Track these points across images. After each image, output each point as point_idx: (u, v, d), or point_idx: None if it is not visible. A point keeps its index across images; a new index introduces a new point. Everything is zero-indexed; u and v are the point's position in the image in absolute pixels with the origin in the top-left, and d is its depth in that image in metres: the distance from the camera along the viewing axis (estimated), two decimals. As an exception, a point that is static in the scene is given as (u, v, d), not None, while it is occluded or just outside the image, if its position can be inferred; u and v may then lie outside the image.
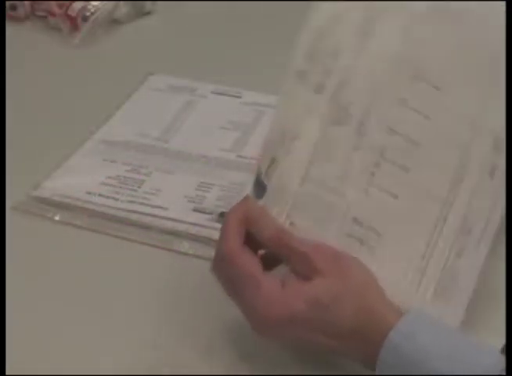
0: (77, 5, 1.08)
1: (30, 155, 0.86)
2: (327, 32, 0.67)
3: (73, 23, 1.07)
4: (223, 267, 0.60)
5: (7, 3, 1.09)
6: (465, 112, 0.65)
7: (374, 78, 0.65)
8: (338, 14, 0.68)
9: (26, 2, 1.10)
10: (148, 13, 1.14)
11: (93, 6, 1.08)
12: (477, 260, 0.63)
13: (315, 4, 0.70)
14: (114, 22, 1.11)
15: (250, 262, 0.59)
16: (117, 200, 0.78)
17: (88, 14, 1.07)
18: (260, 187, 0.64)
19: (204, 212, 0.76)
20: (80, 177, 0.81)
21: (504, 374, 0.53)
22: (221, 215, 0.73)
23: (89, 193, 0.79)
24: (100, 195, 0.78)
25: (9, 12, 1.10)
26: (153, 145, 0.86)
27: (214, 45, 1.06)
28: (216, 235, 0.62)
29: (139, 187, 0.79)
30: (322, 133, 0.64)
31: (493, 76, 0.65)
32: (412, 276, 0.62)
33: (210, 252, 0.62)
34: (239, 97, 0.95)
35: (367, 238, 0.62)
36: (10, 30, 1.06)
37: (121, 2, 1.11)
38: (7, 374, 0.58)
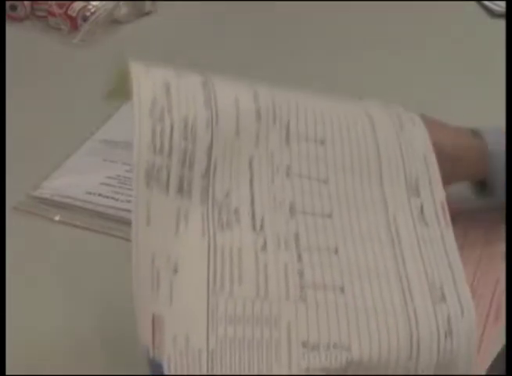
0: (77, 5, 1.08)
1: (30, 155, 0.86)
2: (165, 109, 0.52)
3: (73, 23, 1.07)
4: None
5: (7, 3, 1.09)
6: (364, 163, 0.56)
7: (243, 148, 0.53)
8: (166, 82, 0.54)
9: (26, 2, 1.10)
10: (148, 13, 1.14)
11: (93, 6, 1.08)
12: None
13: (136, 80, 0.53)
14: (114, 22, 1.11)
15: None
16: (116, 200, 0.78)
17: (88, 14, 1.07)
18: (155, 366, 0.49)
19: None
20: (80, 177, 0.81)
21: None
22: None
23: (89, 193, 0.79)
24: (100, 195, 0.78)
25: (9, 12, 1.10)
26: None
27: (214, 46, 1.06)
28: None
29: None
30: (209, 248, 0.50)
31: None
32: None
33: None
34: None
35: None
36: (10, 30, 1.06)
37: (121, 2, 1.11)
38: (7, 374, 0.58)
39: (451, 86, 0.96)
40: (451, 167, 0.63)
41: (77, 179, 0.81)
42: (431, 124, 0.64)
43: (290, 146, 0.55)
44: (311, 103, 0.58)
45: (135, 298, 0.48)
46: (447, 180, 0.60)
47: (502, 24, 1.07)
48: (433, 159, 0.58)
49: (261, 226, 0.52)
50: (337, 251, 0.52)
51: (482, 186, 0.69)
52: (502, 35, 0.93)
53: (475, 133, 0.69)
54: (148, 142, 0.51)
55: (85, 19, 1.07)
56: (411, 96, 0.94)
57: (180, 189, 0.51)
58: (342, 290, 0.51)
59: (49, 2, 1.09)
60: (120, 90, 0.55)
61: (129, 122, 0.89)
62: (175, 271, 0.49)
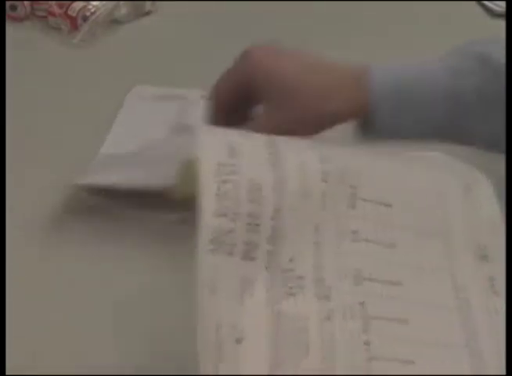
0: (77, 5, 1.08)
1: (30, 155, 0.86)
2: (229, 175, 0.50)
3: (73, 23, 1.07)
4: None
5: (7, 3, 1.09)
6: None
7: (309, 212, 0.51)
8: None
9: (26, 2, 1.10)
10: (148, 13, 1.14)
11: (93, 6, 1.08)
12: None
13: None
14: (114, 22, 1.11)
15: None
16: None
17: (88, 14, 1.08)
18: None
19: None
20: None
21: None
22: None
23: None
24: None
25: (9, 12, 1.10)
26: None
27: (214, 46, 1.06)
28: None
29: None
30: (274, 318, 0.48)
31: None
32: None
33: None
34: None
35: None
36: (10, 30, 1.06)
37: (121, 2, 1.11)
38: (7, 374, 0.58)
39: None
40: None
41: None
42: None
43: (356, 209, 0.53)
44: (379, 164, 0.56)
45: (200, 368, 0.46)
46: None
47: (502, 24, 1.06)
48: (502, 225, 0.55)
49: (327, 295, 0.50)
50: (406, 322, 0.50)
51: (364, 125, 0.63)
52: (502, 35, 0.93)
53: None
54: (213, 205, 0.48)
55: (85, 19, 1.07)
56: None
57: (245, 255, 0.49)
58: (412, 362, 0.49)
59: (49, 2, 1.09)
60: (188, 180, 0.53)
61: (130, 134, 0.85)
62: (239, 341, 0.47)
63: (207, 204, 0.48)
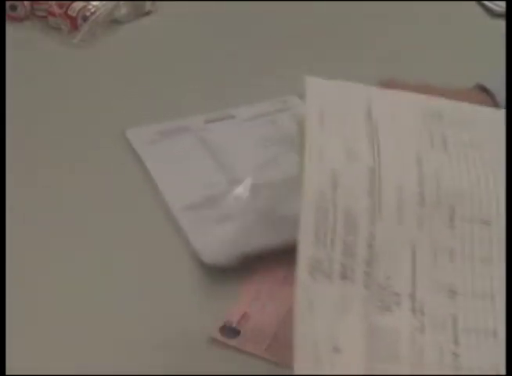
0: (77, 5, 1.08)
1: (30, 156, 0.86)
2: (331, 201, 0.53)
3: (73, 23, 1.07)
4: None
5: (7, 3, 1.09)
6: None
7: (405, 234, 0.53)
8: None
9: (26, 2, 1.10)
10: (148, 13, 1.14)
11: (93, 6, 1.08)
12: None
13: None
14: (114, 22, 1.11)
15: None
16: None
17: (88, 14, 1.07)
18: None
19: None
20: None
21: None
22: None
23: None
24: None
25: (9, 12, 1.10)
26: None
27: (214, 46, 1.06)
28: None
29: None
30: (370, 331, 0.50)
31: None
32: None
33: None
34: (234, 117, 0.91)
35: None
36: (10, 30, 1.06)
37: (121, 2, 1.11)
38: (7, 374, 0.58)
39: (450, 86, 0.96)
40: None
41: None
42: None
43: (454, 227, 0.54)
44: (476, 183, 0.57)
45: None
46: None
47: (502, 24, 1.07)
48: None
49: (421, 309, 0.52)
50: (495, 334, 0.51)
51: None
52: (503, 35, 0.93)
53: (483, 89, 0.70)
54: (311, 236, 0.52)
55: (85, 19, 1.07)
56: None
57: (343, 277, 0.52)
58: (498, 373, 0.50)
59: (49, 2, 1.09)
60: None
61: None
62: (336, 351, 0.50)
63: (306, 235, 0.51)
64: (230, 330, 0.65)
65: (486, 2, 1.15)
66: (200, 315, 0.67)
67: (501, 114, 0.61)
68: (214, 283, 0.70)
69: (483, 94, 0.69)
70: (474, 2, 1.17)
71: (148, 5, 1.13)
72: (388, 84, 0.67)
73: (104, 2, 1.09)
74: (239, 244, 0.72)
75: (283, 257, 0.68)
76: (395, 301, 0.51)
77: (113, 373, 0.62)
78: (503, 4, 1.12)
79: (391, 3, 1.15)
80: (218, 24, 1.12)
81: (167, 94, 0.96)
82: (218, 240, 0.73)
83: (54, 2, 1.08)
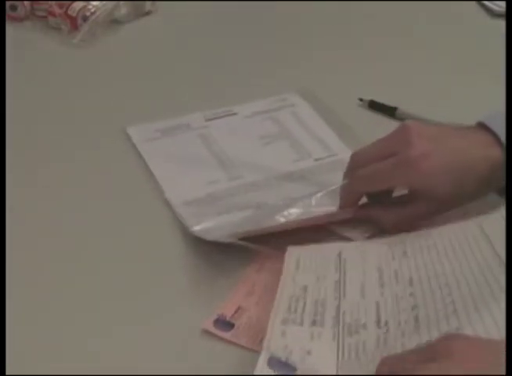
0: (77, 5, 1.08)
1: (30, 157, 0.86)
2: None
3: (73, 23, 1.07)
4: None
5: (7, 3, 1.09)
6: None
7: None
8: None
9: (26, 2, 1.10)
10: (148, 13, 1.14)
11: (93, 6, 1.08)
12: None
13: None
14: (114, 22, 1.11)
15: None
16: None
17: (88, 14, 1.08)
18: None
19: None
20: None
21: None
22: None
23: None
24: None
25: (9, 12, 1.10)
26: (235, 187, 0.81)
27: (214, 46, 1.06)
28: None
29: None
30: (340, 346, 0.61)
31: None
32: None
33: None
34: (234, 114, 0.92)
35: None
36: (10, 30, 1.06)
37: (121, 2, 1.11)
38: (7, 374, 0.58)
39: (450, 86, 0.96)
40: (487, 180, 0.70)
41: None
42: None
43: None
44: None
45: None
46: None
47: (502, 24, 1.07)
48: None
49: (386, 324, 0.62)
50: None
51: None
52: (503, 35, 0.93)
53: (483, 126, 0.71)
54: (282, 314, 0.63)
55: (85, 19, 1.07)
56: (410, 96, 0.94)
57: (313, 323, 0.63)
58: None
59: (49, 2, 1.09)
60: None
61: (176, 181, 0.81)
62: (309, 354, 0.60)
63: (277, 312, 0.63)
64: (224, 324, 0.65)
65: (486, 2, 1.15)
66: (195, 308, 0.67)
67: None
68: (209, 277, 0.70)
69: (488, 134, 0.70)
70: (474, 2, 1.17)
71: (148, 5, 1.14)
72: (407, 130, 0.70)
73: (104, 2, 1.09)
74: (233, 225, 0.74)
75: (278, 252, 0.70)
76: (363, 327, 0.62)
77: (110, 369, 0.62)
78: (503, 4, 1.12)
79: (391, 3, 1.15)
80: (218, 24, 1.13)
81: (167, 93, 0.97)
82: (214, 223, 0.75)
83: (54, 2, 1.08)
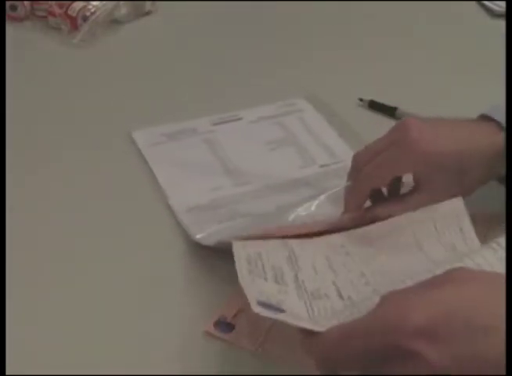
0: (77, 5, 1.08)
1: (30, 158, 0.86)
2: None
3: (73, 23, 1.07)
4: None
5: (7, 3, 1.09)
6: None
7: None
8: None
9: (26, 2, 1.10)
10: (148, 13, 1.14)
11: (93, 6, 1.08)
12: None
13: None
14: (114, 22, 1.11)
15: None
16: None
17: (88, 14, 1.08)
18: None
19: None
20: None
21: None
22: None
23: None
24: None
25: (9, 12, 1.10)
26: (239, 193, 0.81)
27: (214, 46, 1.06)
28: None
29: None
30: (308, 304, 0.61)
31: None
32: None
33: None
34: (240, 119, 0.91)
35: None
36: (10, 30, 1.06)
37: (121, 2, 1.11)
38: (7, 374, 0.58)
39: (450, 86, 0.96)
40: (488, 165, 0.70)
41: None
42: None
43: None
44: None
45: None
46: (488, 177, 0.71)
47: (502, 24, 1.07)
48: None
49: (349, 298, 0.62)
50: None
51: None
52: (503, 35, 0.93)
53: (486, 118, 0.71)
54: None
55: (85, 19, 1.07)
56: (410, 96, 0.94)
57: (276, 281, 0.62)
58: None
59: (49, 2, 1.09)
60: None
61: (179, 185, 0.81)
62: (283, 303, 0.59)
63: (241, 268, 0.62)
64: (225, 325, 0.65)
65: (486, 2, 1.16)
66: (196, 310, 0.67)
67: None
68: (210, 279, 0.70)
69: (491, 124, 0.70)
70: (474, 2, 1.17)
71: (148, 5, 1.14)
72: (406, 121, 0.70)
73: (104, 2, 1.09)
74: (235, 231, 0.72)
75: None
76: (325, 296, 0.62)
77: (111, 370, 0.62)
78: (503, 4, 1.12)
79: (391, 3, 1.15)
80: (218, 24, 1.13)
81: (167, 93, 0.97)
82: (216, 230, 0.74)
83: (54, 2, 1.08)
